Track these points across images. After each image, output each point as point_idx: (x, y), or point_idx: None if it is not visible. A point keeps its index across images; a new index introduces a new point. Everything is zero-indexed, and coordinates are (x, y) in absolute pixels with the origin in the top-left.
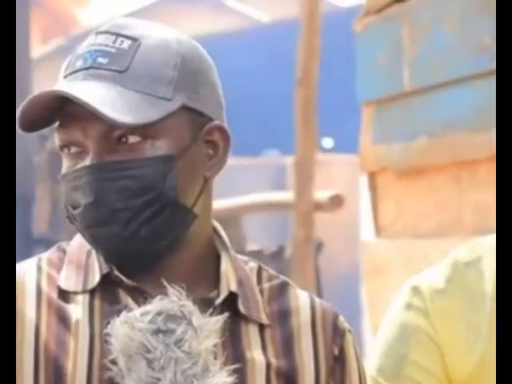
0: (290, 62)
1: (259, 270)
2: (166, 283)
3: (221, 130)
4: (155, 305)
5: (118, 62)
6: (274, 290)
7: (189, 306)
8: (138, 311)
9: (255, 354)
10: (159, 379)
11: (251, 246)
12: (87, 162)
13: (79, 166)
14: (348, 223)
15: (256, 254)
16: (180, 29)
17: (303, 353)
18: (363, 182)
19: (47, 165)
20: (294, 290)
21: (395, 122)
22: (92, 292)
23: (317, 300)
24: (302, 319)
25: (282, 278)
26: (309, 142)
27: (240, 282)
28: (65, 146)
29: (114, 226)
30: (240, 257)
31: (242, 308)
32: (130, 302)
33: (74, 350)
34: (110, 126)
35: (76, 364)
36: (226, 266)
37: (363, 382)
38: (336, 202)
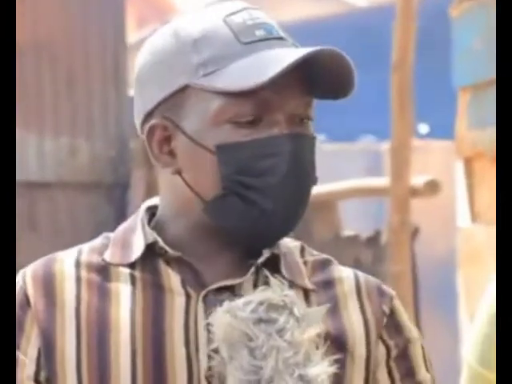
0: (385, 46)
1: (302, 247)
2: (268, 274)
3: None
4: (258, 294)
5: (289, 37)
6: (317, 263)
7: (291, 296)
8: (240, 301)
9: None
10: (261, 367)
11: (347, 232)
12: (285, 130)
13: (275, 133)
14: (444, 208)
15: (352, 239)
16: (277, 13)
17: (351, 315)
18: (459, 167)
19: (142, 151)
20: (336, 266)
21: (491, 107)
22: (134, 264)
23: (359, 272)
24: (346, 287)
25: (325, 255)
26: (405, 128)
27: (283, 254)
28: (249, 115)
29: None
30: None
31: (284, 272)
32: (169, 272)
33: (115, 321)
34: (302, 101)
35: (119, 336)
36: None
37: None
38: (432, 187)
